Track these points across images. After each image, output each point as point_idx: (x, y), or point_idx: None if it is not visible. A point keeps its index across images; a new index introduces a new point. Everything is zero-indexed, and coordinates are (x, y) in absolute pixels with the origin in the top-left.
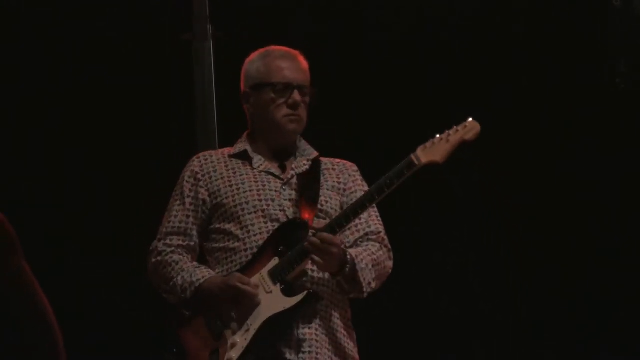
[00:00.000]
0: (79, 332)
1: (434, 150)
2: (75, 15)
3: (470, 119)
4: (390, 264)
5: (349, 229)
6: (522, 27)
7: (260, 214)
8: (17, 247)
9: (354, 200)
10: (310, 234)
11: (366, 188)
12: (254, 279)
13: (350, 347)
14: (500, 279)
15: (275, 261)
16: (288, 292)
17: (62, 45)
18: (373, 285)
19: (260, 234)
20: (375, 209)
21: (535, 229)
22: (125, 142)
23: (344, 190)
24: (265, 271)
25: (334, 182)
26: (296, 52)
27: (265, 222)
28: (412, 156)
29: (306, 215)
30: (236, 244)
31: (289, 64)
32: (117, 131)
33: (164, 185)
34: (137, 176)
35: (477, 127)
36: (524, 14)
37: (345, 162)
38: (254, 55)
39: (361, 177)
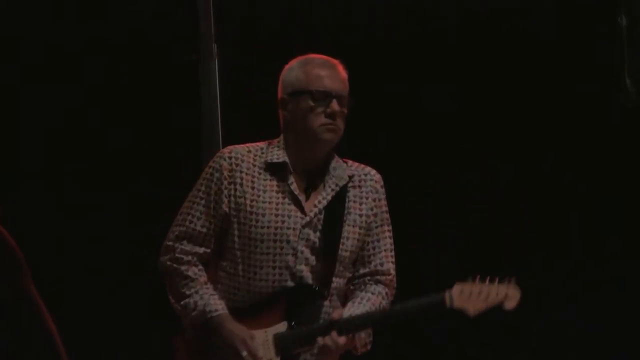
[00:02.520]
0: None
1: (469, 301)
2: (80, 32)
3: (514, 286)
4: (388, 303)
5: (360, 258)
6: (528, 45)
7: (270, 257)
8: (25, 268)
9: (373, 223)
10: (329, 292)
11: (386, 207)
12: (259, 335)
13: None
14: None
15: (283, 326)
16: None
17: (69, 63)
18: (368, 347)
19: (266, 280)
20: (392, 242)
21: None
22: (132, 159)
23: (367, 226)
24: (271, 333)
25: (356, 214)
26: (336, 62)
27: (274, 269)
28: (447, 295)
29: (325, 265)
30: (239, 280)
31: (329, 73)
32: (124, 148)
33: (169, 200)
34: (145, 192)
35: (518, 296)
36: (530, 32)
37: (372, 174)
38: (293, 63)
39: (384, 194)
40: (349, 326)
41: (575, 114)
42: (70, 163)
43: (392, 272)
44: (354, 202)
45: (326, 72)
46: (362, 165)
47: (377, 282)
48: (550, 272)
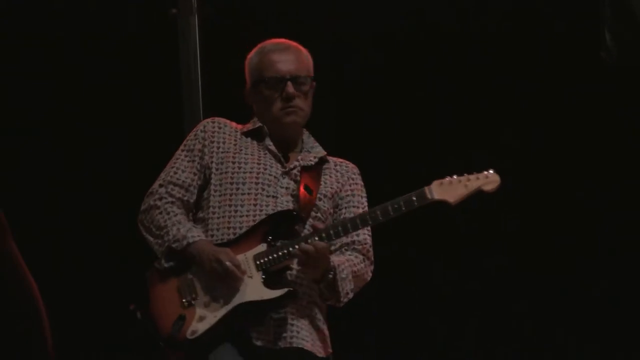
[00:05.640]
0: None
1: (449, 190)
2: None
3: (492, 171)
4: (369, 276)
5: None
6: (527, 42)
7: (252, 196)
8: (6, 227)
9: (350, 202)
10: (307, 227)
11: (364, 194)
12: (238, 259)
13: (325, 341)
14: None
15: (262, 247)
16: (269, 283)
17: (43, 23)
18: (350, 295)
19: (247, 216)
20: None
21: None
22: (111, 117)
23: (339, 191)
24: (250, 254)
25: (332, 185)
26: (290, 43)
27: (255, 206)
28: (426, 189)
29: (303, 209)
30: (218, 221)
31: (281, 56)
32: (102, 106)
33: (150, 159)
34: (123, 151)
35: (498, 180)
36: (529, 30)
37: (347, 163)
38: (252, 52)
39: (361, 181)
40: (329, 232)
41: (576, 114)
42: (53, 141)
43: (369, 241)
44: (330, 176)
45: (277, 56)
46: (336, 158)
47: (354, 250)
48: (551, 272)
